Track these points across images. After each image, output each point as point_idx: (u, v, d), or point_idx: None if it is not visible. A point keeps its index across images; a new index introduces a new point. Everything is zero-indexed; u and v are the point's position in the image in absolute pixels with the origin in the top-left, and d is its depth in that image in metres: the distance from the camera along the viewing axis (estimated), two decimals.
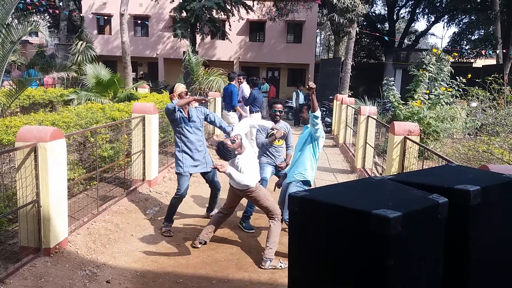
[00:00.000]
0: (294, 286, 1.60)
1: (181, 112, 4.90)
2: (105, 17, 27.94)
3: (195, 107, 5.05)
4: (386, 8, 33.10)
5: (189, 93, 5.14)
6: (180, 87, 5.11)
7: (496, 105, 7.43)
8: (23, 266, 3.66)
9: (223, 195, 5.20)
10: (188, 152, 4.94)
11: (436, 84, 9.23)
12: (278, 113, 5.16)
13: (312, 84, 4.05)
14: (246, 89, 10.30)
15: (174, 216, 5.07)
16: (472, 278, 1.49)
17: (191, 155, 4.95)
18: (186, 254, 4.51)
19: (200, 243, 4.52)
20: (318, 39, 38.86)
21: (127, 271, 4.06)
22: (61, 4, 26.84)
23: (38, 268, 3.71)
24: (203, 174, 5.18)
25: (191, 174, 5.06)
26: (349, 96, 14.07)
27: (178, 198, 4.94)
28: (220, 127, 5.19)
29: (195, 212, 5.74)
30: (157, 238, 4.90)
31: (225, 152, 4.08)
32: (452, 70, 9.64)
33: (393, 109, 9.96)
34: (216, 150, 4.19)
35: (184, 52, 14.85)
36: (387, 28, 32.88)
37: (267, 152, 5.24)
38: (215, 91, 12.20)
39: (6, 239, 4.23)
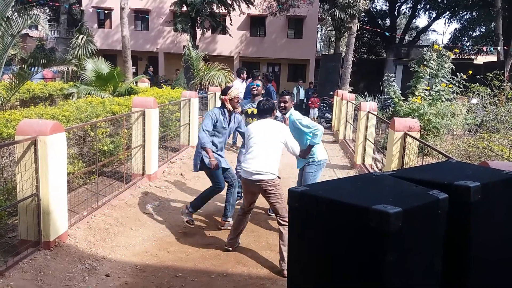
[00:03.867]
0: (294, 281, 1.61)
1: (223, 117, 4.88)
2: (106, 11, 27.84)
3: (234, 113, 5.00)
4: (387, 4, 33.00)
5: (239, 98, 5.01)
6: (236, 92, 4.94)
7: (496, 102, 7.42)
8: (23, 259, 3.67)
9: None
10: (216, 152, 4.92)
11: (436, 81, 9.21)
12: (282, 104, 4.99)
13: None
14: (237, 85, 10.26)
15: (173, 210, 5.05)
16: (472, 274, 1.50)
17: (219, 154, 4.95)
18: (186, 249, 4.52)
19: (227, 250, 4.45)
20: (319, 35, 38.76)
21: (127, 265, 4.07)
22: None
23: (38, 262, 3.72)
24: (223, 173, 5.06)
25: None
26: (349, 92, 14.06)
27: (218, 189, 4.97)
28: (241, 134, 5.19)
29: None
30: (157, 232, 4.91)
31: (266, 106, 4.27)
32: (453, 66, 9.62)
33: (393, 105, 9.95)
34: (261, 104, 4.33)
35: (184, 47, 14.82)
36: (388, 24, 32.78)
37: None
38: (216, 86, 12.18)
39: (6, 233, 4.24)
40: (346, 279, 1.37)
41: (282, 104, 4.93)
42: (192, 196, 6.14)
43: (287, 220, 4.05)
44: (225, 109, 4.90)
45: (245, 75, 10.56)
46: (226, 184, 5.06)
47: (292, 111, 4.89)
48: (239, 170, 5.76)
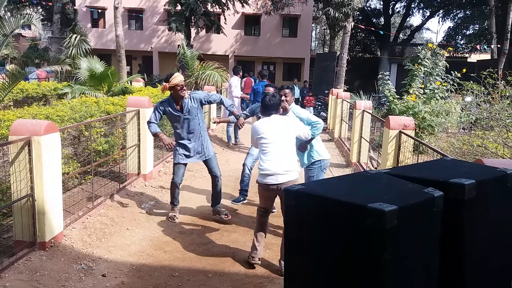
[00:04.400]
0: (290, 279, 1.61)
1: (171, 107, 4.89)
2: (99, 10, 27.73)
3: (188, 97, 4.90)
4: (381, 3, 33.12)
5: (184, 86, 4.96)
6: (179, 78, 4.82)
7: (490, 99, 7.46)
8: (18, 260, 3.65)
9: (225, 188, 5.21)
10: (181, 142, 5.01)
11: (431, 79, 9.26)
12: (283, 98, 4.72)
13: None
14: (234, 82, 10.34)
15: (168, 209, 5.07)
16: (467, 271, 1.51)
17: (184, 146, 5.00)
18: (182, 248, 4.51)
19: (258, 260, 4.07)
20: (313, 33, 38.79)
21: (123, 265, 4.06)
22: None
23: (33, 262, 3.70)
24: (204, 162, 5.18)
25: (185, 164, 5.10)
26: (344, 90, 14.08)
27: (172, 183, 5.11)
28: (222, 103, 5.13)
29: (191, 206, 5.73)
30: (153, 232, 4.90)
31: (272, 102, 4.04)
32: (447, 64, 9.67)
33: (388, 103, 9.99)
34: (263, 101, 4.12)
35: (179, 46, 14.77)
36: (382, 23, 32.90)
37: None
38: (212, 85, 12.16)
39: (1, 233, 4.22)
40: (342, 277, 1.38)
41: (282, 98, 4.68)
42: (188, 195, 6.14)
43: None
44: (172, 97, 4.89)
45: (241, 73, 10.70)
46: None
47: (293, 105, 4.78)
48: (246, 177, 5.78)
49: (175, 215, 5.14)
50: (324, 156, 4.76)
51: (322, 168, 4.74)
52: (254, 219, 5.30)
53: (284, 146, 3.89)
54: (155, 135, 4.93)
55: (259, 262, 4.03)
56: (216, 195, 5.24)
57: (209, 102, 5.14)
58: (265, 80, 9.57)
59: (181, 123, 4.94)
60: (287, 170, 3.82)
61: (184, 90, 4.86)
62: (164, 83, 4.81)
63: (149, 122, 4.95)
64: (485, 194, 1.53)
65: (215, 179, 5.17)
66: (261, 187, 3.98)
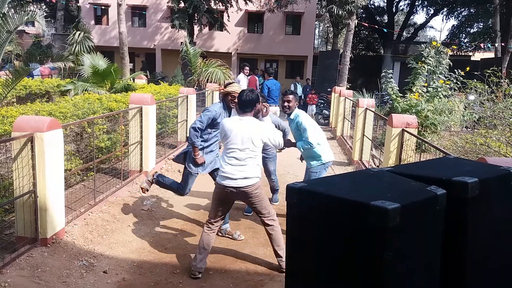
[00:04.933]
0: (292, 276, 1.60)
1: (224, 114, 4.49)
2: (103, 7, 27.74)
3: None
4: (385, 1, 32.97)
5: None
6: (235, 87, 4.46)
7: (494, 98, 7.42)
8: (20, 256, 3.66)
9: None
10: (206, 152, 4.63)
11: (434, 77, 9.22)
12: (286, 104, 4.75)
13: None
14: (241, 80, 10.40)
15: (170, 207, 5.03)
16: (469, 270, 1.50)
17: (207, 157, 4.63)
18: (183, 245, 4.51)
19: (199, 273, 3.86)
20: (316, 31, 38.68)
21: (124, 262, 4.06)
22: None
23: (35, 258, 3.71)
24: (212, 173, 4.73)
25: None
26: (347, 88, 14.06)
27: (178, 193, 4.79)
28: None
29: (193, 203, 5.73)
30: (154, 229, 4.90)
31: (249, 98, 3.75)
32: (451, 63, 9.63)
33: (391, 101, 9.96)
34: (240, 96, 3.83)
35: (182, 43, 14.78)
36: (386, 21, 32.79)
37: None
38: (214, 83, 12.16)
39: (3, 229, 4.23)
40: (344, 275, 1.37)
41: (285, 104, 4.69)
42: (190, 192, 6.12)
43: (275, 217, 3.91)
44: (225, 106, 4.54)
45: (247, 70, 10.81)
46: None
47: (299, 111, 4.72)
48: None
49: (147, 188, 4.86)
50: (329, 158, 4.79)
51: (325, 167, 4.77)
52: (256, 216, 5.30)
53: (248, 153, 3.70)
54: (193, 147, 4.42)
55: (200, 276, 3.84)
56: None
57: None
58: (271, 77, 9.61)
59: (215, 134, 4.59)
60: (248, 177, 3.69)
61: (235, 102, 4.38)
62: (221, 87, 4.71)
63: (196, 129, 4.35)
64: (488, 192, 1.52)
65: None
66: (218, 189, 3.80)
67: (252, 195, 3.75)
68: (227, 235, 4.75)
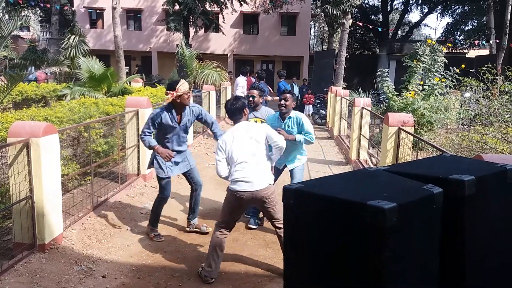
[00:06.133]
0: (290, 278, 1.60)
1: (170, 117, 4.38)
2: (97, 11, 27.72)
3: (188, 107, 4.49)
4: (379, 0, 33.06)
5: (190, 92, 4.46)
6: (186, 85, 4.34)
7: (489, 95, 7.45)
8: (18, 263, 3.64)
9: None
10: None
11: (430, 75, 9.25)
12: (283, 102, 4.73)
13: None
14: (241, 82, 10.43)
15: (168, 210, 5.02)
16: (468, 269, 1.50)
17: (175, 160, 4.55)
18: (182, 248, 4.51)
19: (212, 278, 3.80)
20: (312, 31, 38.76)
21: (123, 266, 4.05)
22: None
23: (33, 264, 3.70)
24: (186, 173, 4.72)
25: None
26: (343, 88, 14.07)
27: (161, 200, 4.65)
28: (213, 131, 4.65)
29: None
30: None
31: (235, 106, 3.76)
32: (446, 60, 9.66)
33: (387, 100, 9.98)
34: (228, 104, 3.82)
35: (177, 46, 14.76)
36: (380, 20, 32.89)
37: None
38: (211, 85, 12.15)
39: (0, 236, 4.21)
40: (342, 275, 1.37)
41: (282, 102, 4.68)
42: (187, 195, 6.11)
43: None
44: (172, 106, 4.36)
45: (248, 73, 10.99)
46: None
47: (303, 116, 4.78)
48: None
49: (159, 234, 4.70)
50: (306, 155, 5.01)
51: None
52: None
53: (257, 156, 3.66)
54: (150, 148, 4.42)
55: (213, 281, 3.78)
56: (196, 205, 4.84)
57: (203, 121, 4.67)
58: (263, 81, 9.70)
59: (172, 135, 4.47)
60: (263, 177, 3.66)
61: (190, 97, 4.43)
62: (170, 92, 4.24)
63: (142, 134, 4.41)
64: (485, 190, 1.52)
65: (198, 188, 4.76)
66: (232, 196, 3.71)
67: (268, 200, 3.67)
68: (195, 229, 4.87)
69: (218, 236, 3.78)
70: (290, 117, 4.77)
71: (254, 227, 5.04)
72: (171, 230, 4.97)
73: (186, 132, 4.59)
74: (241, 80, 10.76)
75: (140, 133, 4.44)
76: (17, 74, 7.60)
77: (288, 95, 4.72)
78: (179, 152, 4.56)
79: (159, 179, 4.56)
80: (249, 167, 3.63)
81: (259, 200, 3.67)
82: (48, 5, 25.64)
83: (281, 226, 3.78)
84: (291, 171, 4.85)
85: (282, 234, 3.78)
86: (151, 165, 4.61)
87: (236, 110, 3.79)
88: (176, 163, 4.56)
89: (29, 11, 28.88)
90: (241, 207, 3.81)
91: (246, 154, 3.65)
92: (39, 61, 10.50)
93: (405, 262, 1.30)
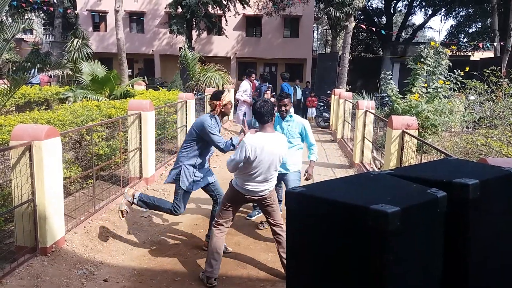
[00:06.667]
0: (293, 282, 1.58)
1: (218, 126, 4.25)
2: (100, 14, 27.80)
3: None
4: (383, 2, 33.05)
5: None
6: (230, 96, 4.27)
7: (494, 98, 7.41)
8: (20, 266, 3.63)
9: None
10: (201, 166, 4.35)
11: (434, 78, 9.22)
12: (283, 108, 4.75)
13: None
14: (246, 86, 10.40)
15: (170, 215, 4.98)
16: (472, 272, 1.47)
17: (201, 170, 4.35)
18: (184, 252, 4.49)
19: (215, 279, 3.82)
20: (315, 34, 38.79)
21: (125, 270, 4.03)
22: (55, 1, 26.70)
23: (35, 268, 3.68)
24: (205, 187, 4.48)
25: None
26: (346, 90, 14.05)
27: (174, 214, 4.36)
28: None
29: (192, 209, 5.71)
30: (155, 236, 4.87)
31: (267, 110, 3.62)
32: (450, 63, 9.63)
33: (391, 103, 9.95)
34: (258, 107, 3.64)
35: (180, 48, 14.80)
36: (384, 22, 32.85)
37: None
38: (213, 87, 12.16)
39: (2, 239, 4.20)
40: (344, 279, 1.35)
41: (283, 108, 4.72)
42: (190, 199, 6.10)
43: (284, 226, 3.84)
44: (216, 115, 4.27)
45: (253, 77, 10.94)
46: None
47: (305, 122, 4.86)
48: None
49: (128, 211, 4.33)
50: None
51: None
52: (258, 222, 5.28)
53: (274, 172, 3.75)
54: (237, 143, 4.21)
55: (215, 283, 3.77)
56: None
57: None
58: (266, 83, 9.67)
59: (210, 146, 4.33)
60: (271, 187, 3.83)
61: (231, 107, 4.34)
62: (216, 102, 4.19)
63: (224, 142, 4.18)
64: (490, 194, 1.50)
65: (220, 198, 4.43)
66: (235, 192, 3.75)
67: (269, 199, 3.85)
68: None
69: (216, 234, 3.82)
70: (291, 116, 4.81)
71: (250, 218, 5.38)
72: (173, 234, 4.95)
73: None
74: (245, 84, 10.70)
75: (221, 145, 4.14)
76: (20, 77, 7.61)
77: (287, 100, 4.79)
78: (203, 167, 4.38)
79: (182, 192, 4.26)
80: (263, 184, 3.73)
81: (260, 200, 3.85)
82: (51, 8, 25.79)
83: (279, 224, 3.87)
84: (284, 178, 4.82)
85: (279, 238, 3.84)
86: (172, 180, 4.33)
87: (266, 112, 3.63)
88: (203, 177, 4.35)
89: (32, 14, 29.04)
90: (240, 204, 3.99)
91: (267, 174, 3.67)
92: (42, 64, 10.54)
93: (408, 265, 1.28)
